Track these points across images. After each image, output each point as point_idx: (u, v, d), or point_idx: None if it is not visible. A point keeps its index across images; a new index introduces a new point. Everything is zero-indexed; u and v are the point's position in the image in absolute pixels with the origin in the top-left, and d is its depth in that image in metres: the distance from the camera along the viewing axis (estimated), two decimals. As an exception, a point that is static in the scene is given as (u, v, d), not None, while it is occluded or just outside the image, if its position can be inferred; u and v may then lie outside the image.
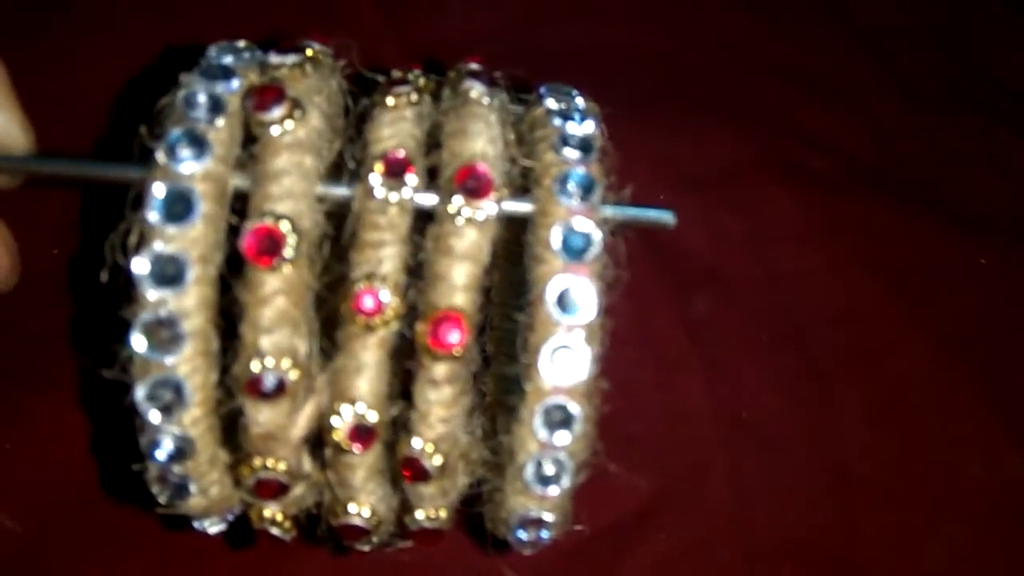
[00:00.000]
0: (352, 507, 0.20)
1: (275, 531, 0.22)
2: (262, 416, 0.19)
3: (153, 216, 0.18)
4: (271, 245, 0.18)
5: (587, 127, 0.21)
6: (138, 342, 0.17)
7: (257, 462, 0.20)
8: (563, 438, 0.19)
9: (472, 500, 0.22)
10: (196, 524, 0.22)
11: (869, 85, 0.49)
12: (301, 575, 0.30)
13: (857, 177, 0.45)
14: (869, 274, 0.41)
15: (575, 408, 0.19)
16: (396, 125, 0.20)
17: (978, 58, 0.52)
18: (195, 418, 0.18)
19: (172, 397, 0.18)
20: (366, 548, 0.23)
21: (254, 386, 0.18)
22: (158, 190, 0.18)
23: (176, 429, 0.18)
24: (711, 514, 0.34)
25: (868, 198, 0.44)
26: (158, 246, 0.18)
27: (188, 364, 0.18)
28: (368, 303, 0.18)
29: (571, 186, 0.20)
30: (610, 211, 0.20)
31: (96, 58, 0.33)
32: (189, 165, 0.18)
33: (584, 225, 0.19)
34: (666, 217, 0.22)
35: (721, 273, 0.41)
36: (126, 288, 0.18)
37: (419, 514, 0.21)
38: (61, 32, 0.33)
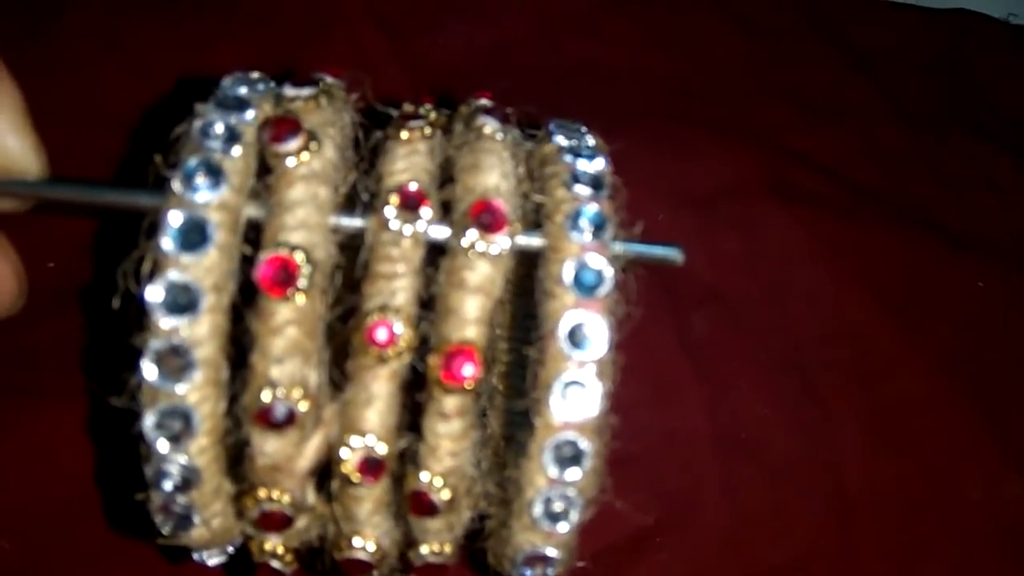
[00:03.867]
0: (357, 541, 0.20)
1: (276, 564, 0.21)
2: (269, 447, 0.19)
3: (168, 244, 0.18)
4: (285, 275, 0.18)
5: (597, 164, 0.21)
6: (149, 370, 0.17)
7: (262, 493, 0.19)
8: (574, 474, 0.19)
9: (474, 535, 0.22)
10: (196, 556, 0.21)
11: (867, 108, 0.51)
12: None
13: (855, 198, 0.46)
14: (867, 295, 0.42)
15: (585, 444, 0.19)
16: (410, 159, 0.20)
17: (975, 81, 0.53)
18: (202, 447, 0.18)
19: (181, 426, 0.18)
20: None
21: (264, 416, 0.18)
22: (174, 219, 0.18)
23: (183, 459, 0.18)
24: (709, 535, 0.34)
25: (866, 219, 0.45)
26: (172, 274, 0.18)
27: (198, 393, 0.18)
28: (381, 335, 0.18)
29: (583, 222, 0.20)
30: (620, 247, 0.20)
31: (109, 86, 0.34)
32: (204, 195, 0.18)
33: (596, 261, 0.19)
34: (674, 254, 0.22)
35: (720, 293, 0.41)
36: (138, 316, 0.18)
37: (423, 549, 0.21)
38: (74, 59, 0.34)
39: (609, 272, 0.19)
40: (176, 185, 0.18)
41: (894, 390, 0.38)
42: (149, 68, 0.35)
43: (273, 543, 0.21)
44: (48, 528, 0.31)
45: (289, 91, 0.21)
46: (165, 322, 0.17)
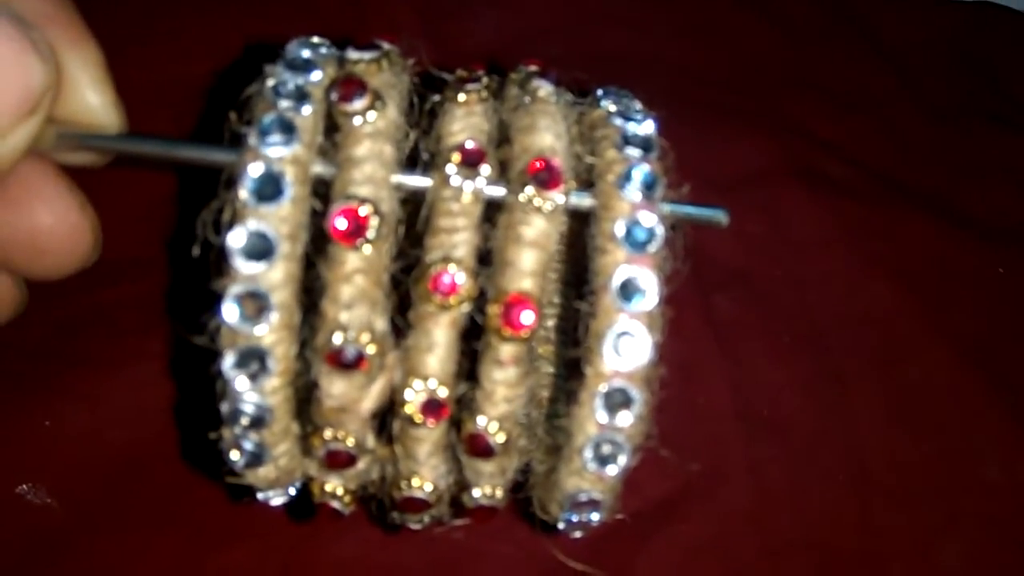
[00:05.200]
0: (415, 480, 0.21)
1: (335, 504, 0.22)
2: (336, 388, 0.20)
3: (246, 195, 0.19)
4: (355, 226, 0.19)
5: (646, 127, 0.22)
6: (229, 312, 0.19)
7: (328, 434, 0.20)
8: (624, 420, 0.20)
9: (520, 485, 0.23)
10: (260, 495, 0.22)
11: (891, 98, 0.51)
12: (348, 555, 0.31)
13: (877, 186, 0.46)
14: (889, 280, 0.42)
15: (635, 392, 0.20)
16: (468, 120, 0.21)
17: (998, 73, 0.54)
18: (275, 387, 0.19)
19: (257, 366, 0.19)
20: (418, 526, 0.24)
21: (334, 357, 0.19)
22: (252, 171, 0.19)
23: (258, 397, 0.19)
24: (731, 509, 0.35)
25: (888, 206, 0.45)
26: (251, 223, 0.19)
27: (274, 335, 0.19)
28: (444, 284, 0.19)
29: (634, 182, 0.21)
30: (667, 207, 0.21)
31: (179, 49, 0.35)
32: (278, 149, 0.19)
33: (647, 219, 0.20)
34: (719, 215, 0.23)
35: (745, 275, 0.42)
36: (218, 262, 0.19)
37: (476, 492, 0.22)
38: (147, 25, 0.35)
39: (660, 229, 0.20)
40: (252, 140, 0.19)
41: (915, 372, 0.39)
42: (212, 37, 0.36)
43: (334, 484, 0.22)
44: (94, 489, 0.32)
45: (352, 54, 0.22)
46: (244, 267, 0.19)
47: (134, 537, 0.32)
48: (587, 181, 0.22)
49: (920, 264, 0.44)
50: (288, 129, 0.20)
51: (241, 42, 0.36)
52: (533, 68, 0.24)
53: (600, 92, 0.24)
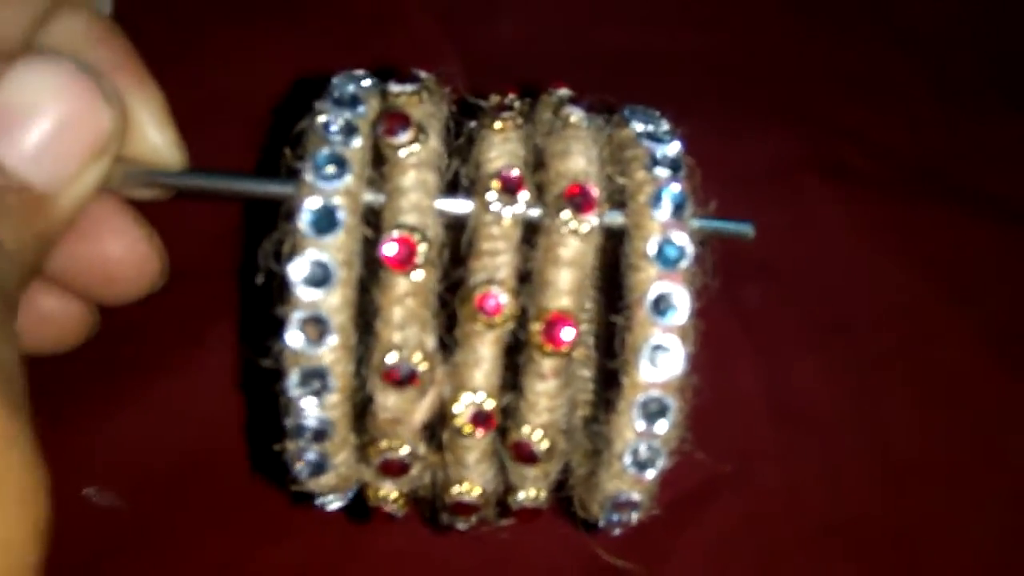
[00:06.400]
0: (465, 486, 0.23)
1: (389, 508, 0.24)
2: (390, 402, 0.22)
3: (304, 227, 0.20)
4: (405, 253, 0.21)
5: (673, 147, 0.23)
6: (292, 336, 0.20)
7: (383, 444, 0.22)
8: (660, 427, 0.21)
9: (559, 486, 0.25)
10: (319, 500, 0.24)
11: (910, 83, 0.51)
12: (397, 550, 0.32)
13: (900, 174, 0.47)
14: (914, 268, 0.43)
15: (670, 401, 0.21)
16: (504, 147, 0.23)
17: (1018, 56, 0.54)
18: (335, 403, 0.21)
19: (318, 384, 0.21)
20: (466, 526, 0.25)
21: (389, 375, 0.21)
22: (310, 204, 0.20)
23: (320, 412, 0.21)
24: (763, 496, 0.36)
25: (911, 194, 0.46)
26: (310, 253, 0.20)
27: (333, 355, 0.20)
28: (490, 304, 0.21)
29: (664, 202, 0.22)
30: (697, 223, 0.23)
31: (231, 82, 0.37)
32: (332, 183, 0.21)
33: (679, 237, 0.21)
34: (746, 229, 0.24)
35: (771, 266, 0.43)
36: (281, 289, 0.20)
37: (521, 495, 0.23)
38: (200, 65, 0.37)
39: (690, 247, 0.22)
40: (308, 175, 0.21)
41: (941, 359, 0.40)
42: (245, 70, 0.38)
43: (388, 489, 0.24)
44: (158, 490, 0.34)
45: (394, 87, 0.23)
46: (305, 294, 0.20)
47: (193, 534, 0.34)
48: (619, 200, 0.23)
49: (945, 251, 0.44)
50: (340, 163, 0.21)
51: (284, 65, 0.37)
52: (564, 92, 0.25)
53: (628, 112, 0.25)
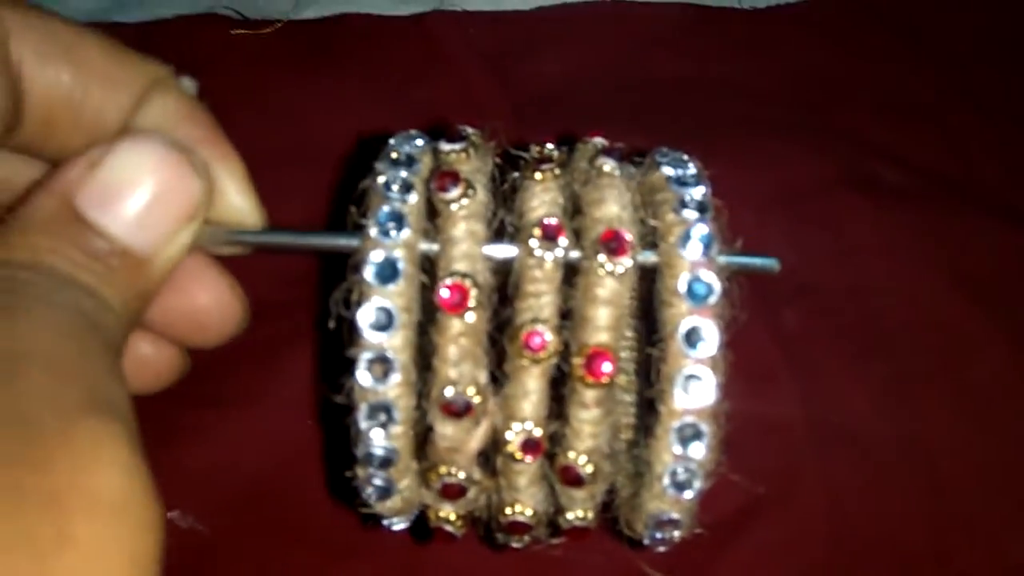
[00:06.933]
0: (517, 507, 0.25)
1: (449, 528, 0.26)
2: (448, 432, 0.24)
3: (370, 277, 0.23)
4: (459, 297, 0.23)
5: (701, 190, 0.25)
6: (362, 375, 0.23)
7: (443, 470, 0.24)
8: (696, 451, 0.23)
9: (606, 506, 0.27)
10: (385, 522, 0.27)
11: (942, 99, 0.52)
12: (457, 567, 0.35)
13: (935, 189, 0.47)
14: (951, 282, 0.43)
15: (704, 426, 0.23)
16: (544, 196, 0.25)
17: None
18: (399, 433, 0.24)
19: (384, 417, 0.23)
20: (519, 545, 0.27)
21: (447, 408, 0.23)
22: (375, 257, 0.23)
23: (386, 442, 0.23)
24: (806, 514, 0.37)
25: (946, 209, 0.46)
26: (376, 300, 0.23)
27: (397, 390, 0.23)
28: (535, 342, 0.23)
29: (692, 242, 0.24)
30: (724, 260, 0.24)
31: (296, 137, 0.41)
32: (394, 237, 0.23)
33: (707, 276, 0.23)
34: (771, 264, 0.26)
35: (809, 286, 0.44)
36: (350, 333, 0.23)
37: (570, 515, 0.25)
38: (266, 118, 0.41)
39: (717, 284, 0.23)
40: (372, 231, 0.23)
41: (981, 373, 0.40)
42: (308, 120, 0.42)
43: (447, 511, 0.26)
44: (233, 513, 0.37)
45: (444, 146, 0.26)
46: (372, 337, 0.23)
47: (269, 555, 0.37)
48: (651, 240, 0.25)
49: (983, 266, 0.45)
50: (399, 219, 0.24)
51: (344, 116, 0.41)
52: (598, 141, 0.27)
53: (658, 156, 0.27)
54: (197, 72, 0.26)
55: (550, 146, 0.27)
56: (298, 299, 0.39)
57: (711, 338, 0.23)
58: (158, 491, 0.19)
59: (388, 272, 0.23)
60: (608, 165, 0.25)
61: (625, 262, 0.24)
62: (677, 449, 0.23)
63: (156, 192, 0.23)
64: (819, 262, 0.45)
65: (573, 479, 0.24)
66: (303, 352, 0.38)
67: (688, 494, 0.23)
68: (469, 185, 0.24)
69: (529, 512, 0.25)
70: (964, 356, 0.41)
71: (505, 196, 0.26)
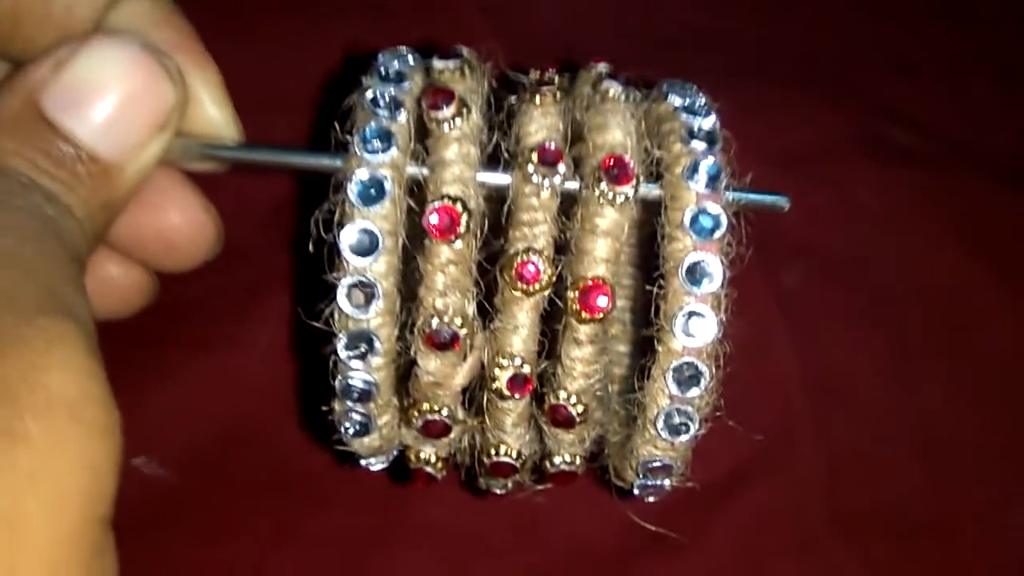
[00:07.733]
0: (503, 448, 0.24)
1: (429, 470, 0.25)
2: (432, 366, 0.22)
3: (353, 198, 0.21)
4: (448, 223, 0.21)
5: (710, 121, 0.24)
6: (343, 301, 0.21)
7: (425, 406, 0.23)
8: (694, 392, 0.22)
9: (594, 457, 0.26)
10: (363, 462, 0.25)
11: (956, 60, 0.50)
12: (437, 517, 0.34)
13: (946, 153, 0.46)
14: (957, 248, 0.42)
15: (703, 367, 0.22)
16: (543, 120, 0.23)
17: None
18: (380, 365, 0.22)
19: (365, 347, 0.22)
20: (502, 490, 0.26)
21: (431, 339, 0.22)
22: (360, 175, 0.21)
23: (365, 374, 0.22)
24: (801, 477, 0.36)
25: (957, 173, 0.45)
26: (359, 222, 0.21)
27: (379, 319, 0.22)
28: (528, 272, 0.22)
29: (699, 174, 0.22)
30: (732, 195, 0.23)
31: (282, 65, 0.39)
32: (379, 156, 0.22)
33: (713, 208, 0.22)
34: (781, 201, 0.24)
35: (812, 247, 0.42)
36: (331, 256, 0.21)
37: (557, 459, 0.24)
38: (253, 45, 0.39)
39: (724, 218, 0.22)
40: (356, 148, 0.22)
41: (984, 340, 0.39)
42: (295, 50, 0.40)
43: (428, 452, 0.25)
44: (201, 459, 0.36)
45: (437, 64, 0.24)
46: (354, 260, 0.21)
47: (240, 502, 0.36)
48: (656, 173, 0.24)
49: (990, 230, 0.44)
50: (386, 137, 0.22)
51: (332, 46, 0.39)
52: (603, 67, 0.25)
53: (665, 86, 0.25)
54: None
55: (552, 72, 0.25)
56: (273, 242, 0.37)
57: (715, 274, 0.22)
58: (122, 430, 0.18)
59: (373, 192, 0.21)
60: (613, 89, 0.24)
61: (627, 191, 0.22)
62: (674, 390, 0.22)
63: (126, 96, 0.21)
64: (823, 222, 0.44)
65: (562, 420, 0.23)
66: (280, 297, 0.36)
67: (683, 438, 0.22)
68: (463, 104, 0.23)
69: (515, 453, 0.24)
70: (968, 323, 0.40)
71: (501, 123, 0.24)
